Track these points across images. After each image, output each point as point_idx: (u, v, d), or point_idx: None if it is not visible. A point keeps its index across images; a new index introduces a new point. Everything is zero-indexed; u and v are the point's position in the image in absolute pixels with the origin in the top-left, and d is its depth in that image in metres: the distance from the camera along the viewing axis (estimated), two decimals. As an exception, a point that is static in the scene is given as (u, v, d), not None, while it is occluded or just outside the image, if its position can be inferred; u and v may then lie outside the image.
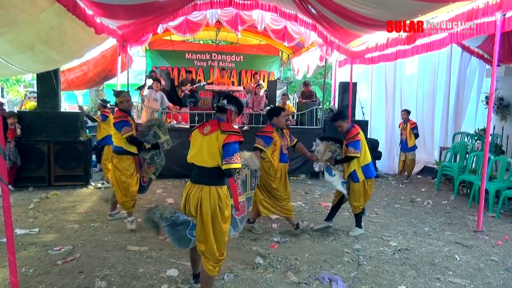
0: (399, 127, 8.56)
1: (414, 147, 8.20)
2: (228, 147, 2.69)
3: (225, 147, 2.70)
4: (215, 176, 2.76)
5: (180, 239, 2.86)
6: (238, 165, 2.72)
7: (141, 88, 9.12)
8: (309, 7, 6.64)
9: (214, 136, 2.75)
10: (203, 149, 2.78)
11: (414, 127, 8.12)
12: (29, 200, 5.96)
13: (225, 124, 2.83)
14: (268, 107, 9.30)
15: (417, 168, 9.03)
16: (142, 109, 8.88)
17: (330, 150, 4.74)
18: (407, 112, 8.28)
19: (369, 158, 4.55)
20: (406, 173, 8.42)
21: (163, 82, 9.18)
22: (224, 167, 2.69)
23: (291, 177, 8.42)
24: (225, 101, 2.94)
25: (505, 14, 4.59)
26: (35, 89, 8.69)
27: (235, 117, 3.04)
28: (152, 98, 8.38)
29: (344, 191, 4.61)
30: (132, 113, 5.24)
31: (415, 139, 8.17)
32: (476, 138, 8.36)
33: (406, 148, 8.14)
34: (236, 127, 8.97)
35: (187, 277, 3.24)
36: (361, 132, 4.53)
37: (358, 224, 4.73)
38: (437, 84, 9.37)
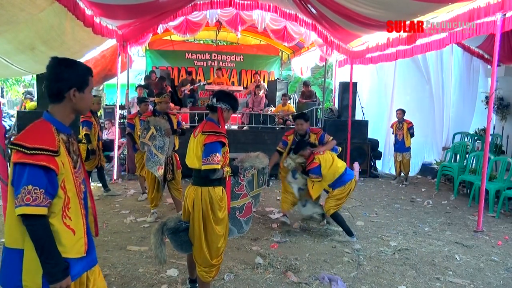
0: (391, 127, 8.24)
1: (410, 147, 7.94)
2: (206, 148, 2.67)
3: (204, 147, 2.68)
4: (206, 177, 2.72)
5: (183, 244, 2.87)
6: (217, 166, 2.66)
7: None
8: (309, 6, 6.64)
9: (198, 137, 2.75)
10: (192, 151, 2.79)
11: (411, 127, 7.84)
12: (29, 200, 5.94)
13: (210, 125, 2.78)
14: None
15: (415, 167, 8.99)
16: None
17: (303, 155, 4.57)
18: (403, 111, 7.98)
19: (329, 179, 4.39)
20: (403, 174, 8.17)
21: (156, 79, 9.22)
22: (202, 167, 2.67)
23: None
24: (214, 100, 2.86)
25: (505, 14, 4.58)
26: (35, 90, 8.70)
27: (228, 115, 2.93)
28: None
29: (297, 195, 4.70)
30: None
31: (411, 138, 7.96)
32: (476, 138, 8.35)
33: (403, 148, 7.85)
34: (235, 127, 9.04)
35: (187, 277, 3.24)
36: (319, 157, 4.38)
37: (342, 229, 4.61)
38: (438, 84, 9.34)
